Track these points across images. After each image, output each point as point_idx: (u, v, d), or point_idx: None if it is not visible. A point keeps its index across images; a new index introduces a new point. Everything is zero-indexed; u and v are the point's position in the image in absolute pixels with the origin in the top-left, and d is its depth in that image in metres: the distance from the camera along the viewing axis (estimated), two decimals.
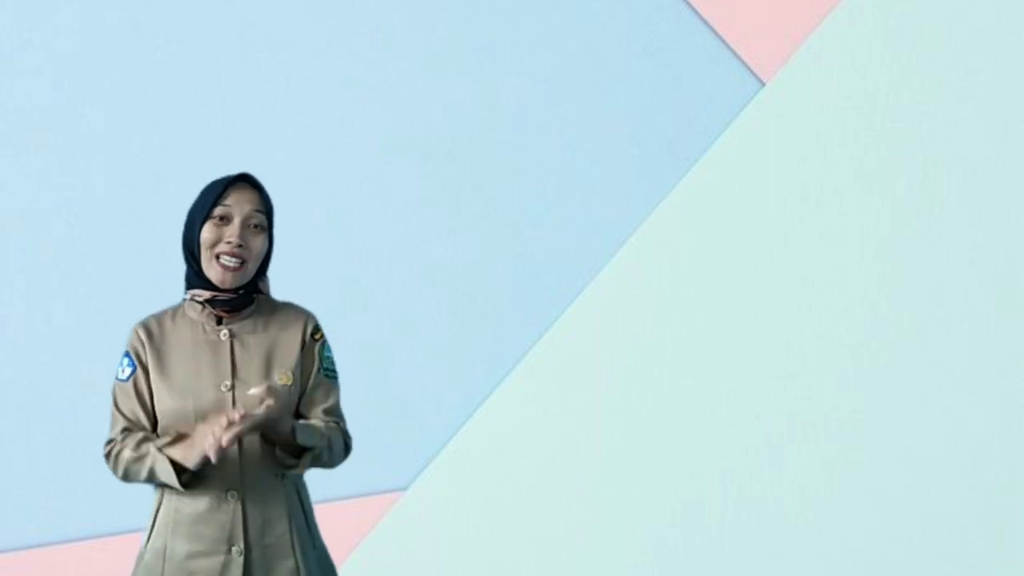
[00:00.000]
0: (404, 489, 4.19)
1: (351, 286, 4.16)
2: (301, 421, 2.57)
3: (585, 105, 4.25)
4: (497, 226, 4.25)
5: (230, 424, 2.40)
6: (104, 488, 4.03)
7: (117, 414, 2.58)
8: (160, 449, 2.50)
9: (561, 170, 4.26)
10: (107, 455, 2.57)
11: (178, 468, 2.47)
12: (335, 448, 2.59)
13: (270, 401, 2.44)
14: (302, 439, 2.51)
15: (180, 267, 2.68)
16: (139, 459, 2.52)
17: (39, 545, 4.13)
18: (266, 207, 2.60)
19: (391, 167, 4.23)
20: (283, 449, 2.53)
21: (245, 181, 2.60)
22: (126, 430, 2.56)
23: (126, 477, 2.55)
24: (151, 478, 2.51)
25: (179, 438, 2.51)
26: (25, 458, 4.14)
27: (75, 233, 4.16)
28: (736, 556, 4.22)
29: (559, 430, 4.23)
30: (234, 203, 2.57)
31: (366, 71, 4.23)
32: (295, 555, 2.55)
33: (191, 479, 2.49)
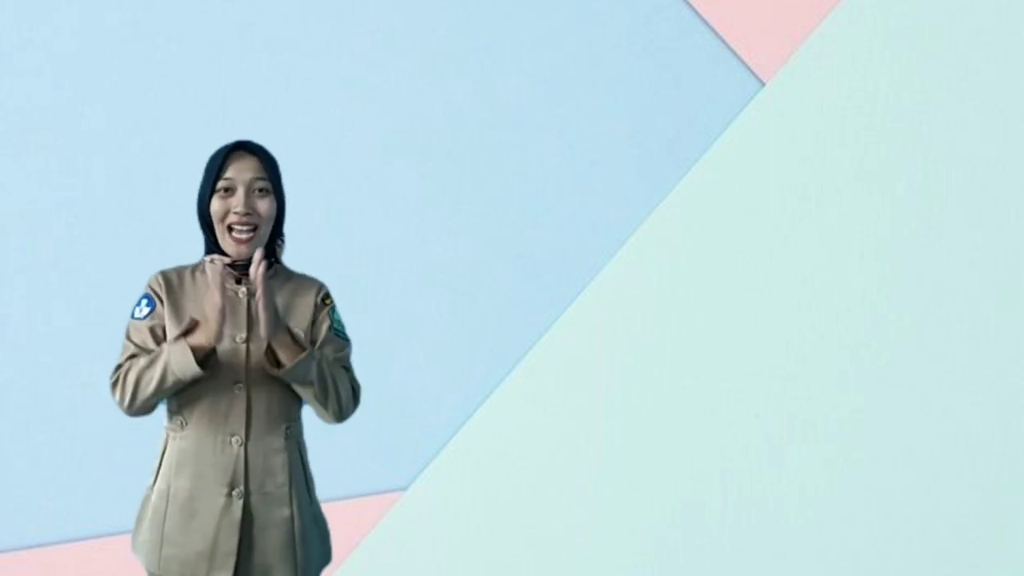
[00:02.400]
0: (404, 489, 4.19)
1: (351, 286, 4.16)
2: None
3: (585, 105, 4.25)
4: (497, 226, 4.25)
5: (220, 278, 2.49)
6: (104, 488, 4.05)
7: (129, 344, 2.63)
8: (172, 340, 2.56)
9: (561, 170, 4.26)
10: (115, 382, 2.60)
11: (195, 354, 2.52)
12: (339, 382, 2.65)
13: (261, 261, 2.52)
14: (300, 338, 2.60)
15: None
16: (152, 361, 2.55)
17: (39, 545, 4.13)
18: (268, 170, 2.66)
19: (391, 167, 4.23)
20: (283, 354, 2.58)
21: (243, 148, 2.67)
22: (133, 356, 2.60)
23: (136, 391, 2.55)
24: (165, 376, 2.53)
25: (186, 333, 2.56)
26: (25, 458, 4.14)
27: (75, 233, 4.16)
28: (736, 556, 4.22)
29: (559, 430, 4.24)
30: (235, 173, 2.63)
31: (366, 71, 4.23)
32: (291, 506, 2.64)
33: (205, 364, 2.53)
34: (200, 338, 2.53)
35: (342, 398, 2.65)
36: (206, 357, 2.54)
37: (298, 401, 2.67)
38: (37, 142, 4.17)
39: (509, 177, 4.26)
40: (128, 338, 2.63)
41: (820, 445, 4.23)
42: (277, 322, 2.55)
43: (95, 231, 4.16)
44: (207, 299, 2.53)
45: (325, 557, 2.75)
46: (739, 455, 4.23)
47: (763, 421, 4.24)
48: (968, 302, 4.23)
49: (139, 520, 2.68)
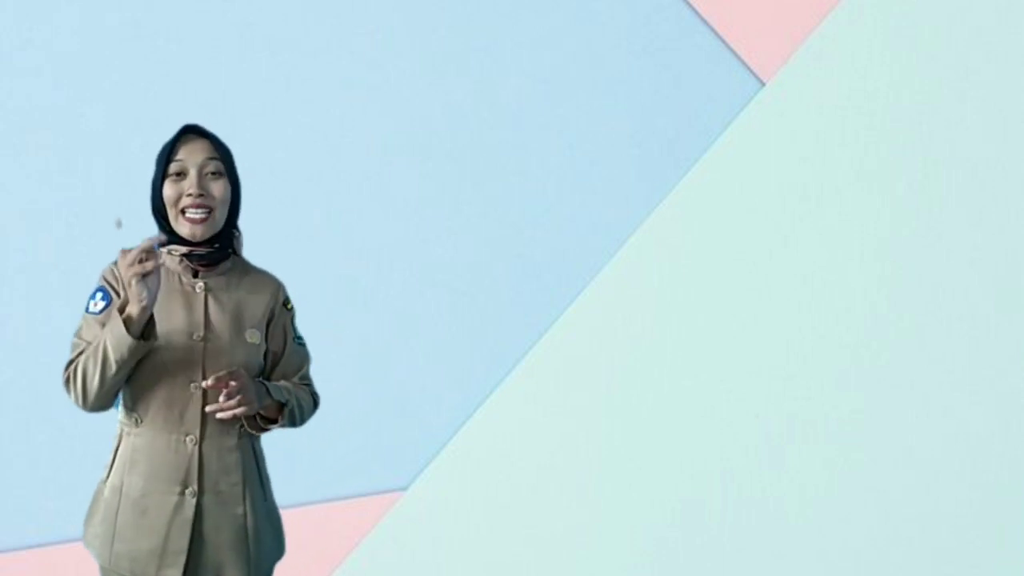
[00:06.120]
0: (404, 489, 4.19)
1: (351, 286, 4.16)
2: (269, 382, 2.65)
3: (585, 105, 4.25)
4: (497, 226, 4.25)
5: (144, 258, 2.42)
6: None
7: (79, 342, 2.57)
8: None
9: (561, 170, 4.26)
10: (66, 380, 2.54)
11: (128, 326, 2.46)
12: (304, 406, 2.69)
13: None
14: (277, 395, 2.60)
15: None
16: (95, 349, 2.48)
17: (39, 545, 4.13)
18: (220, 152, 2.63)
19: (391, 167, 4.23)
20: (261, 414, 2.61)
21: (193, 132, 2.63)
22: (83, 352, 2.54)
23: (85, 384, 2.49)
24: (107, 358, 2.46)
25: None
26: (25, 458, 4.14)
27: (75, 233, 4.16)
28: (736, 556, 4.22)
29: (559, 430, 4.23)
30: (186, 156, 2.60)
31: (366, 71, 4.23)
32: (245, 504, 2.62)
33: (143, 333, 2.47)
34: (131, 308, 2.45)
35: (305, 419, 2.71)
36: (145, 331, 2.47)
37: None
38: (37, 142, 4.17)
39: (509, 177, 4.25)
40: (79, 335, 2.58)
41: (820, 445, 4.23)
42: (261, 392, 2.57)
43: (95, 231, 4.15)
44: (121, 262, 2.46)
45: (278, 551, 2.74)
46: (739, 455, 4.23)
47: (763, 421, 4.23)
48: (968, 302, 4.23)
49: (91, 513, 2.67)
